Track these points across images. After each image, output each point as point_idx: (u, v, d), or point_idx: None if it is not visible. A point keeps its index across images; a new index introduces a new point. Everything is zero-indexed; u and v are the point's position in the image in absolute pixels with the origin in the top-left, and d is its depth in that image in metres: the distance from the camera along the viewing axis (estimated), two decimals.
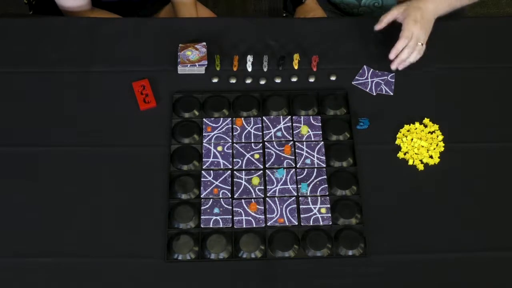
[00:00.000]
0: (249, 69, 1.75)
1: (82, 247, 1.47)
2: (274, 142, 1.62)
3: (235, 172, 1.58)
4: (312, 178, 1.57)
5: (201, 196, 1.54)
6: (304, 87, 1.73)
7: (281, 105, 1.68)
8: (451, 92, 1.73)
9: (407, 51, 1.68)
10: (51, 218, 1.51)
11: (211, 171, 1.57)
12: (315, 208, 1.53)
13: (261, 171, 1.58)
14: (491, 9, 2.96)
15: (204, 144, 1.62)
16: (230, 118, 1.66)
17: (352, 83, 1.72)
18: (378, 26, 1.69)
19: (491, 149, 1.63)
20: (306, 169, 1.58)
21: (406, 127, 1.65)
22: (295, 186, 1.56)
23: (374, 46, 1.77)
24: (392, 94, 1.70)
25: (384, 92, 1.70)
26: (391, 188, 1.57)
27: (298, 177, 1.57)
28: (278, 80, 1.74)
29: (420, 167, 1.59)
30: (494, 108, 1.71)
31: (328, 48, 1.78)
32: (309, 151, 1.61)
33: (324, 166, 1.59)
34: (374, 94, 1.70)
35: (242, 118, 1.66)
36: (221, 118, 1.66)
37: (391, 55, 1.68)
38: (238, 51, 1.79)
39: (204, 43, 1.76)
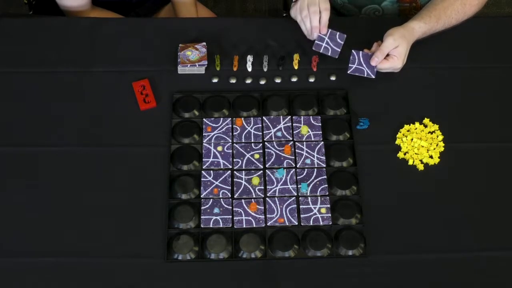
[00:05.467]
0: (249, 69, 1.75)
1: (82, 247, 1.47)
2: (274, 142, 1.62)
3: (235, 172, 1.58)
4: (312, 178, 1.57)
5: (201, 196, 1.54)
6: (304, 87, 1.73)
7: (281, 105, 1.68)
8: (451, 92, 1.73)
9: (379, 64, 1.69)
10: (51, 218, 1.51)
11: (211, 171, 1.57)
12: (315, 208, 1.53)
13: (261, 171, 1.58)
14: (491, 9, 2.95)
15: (204, 144, 1.62)
16: (230, 118, 1.66)
17: (313, 48, 1.72)
18: (374, 62, 1.68)
19: (491, 149, 1.63)
20: (306, 169, 1.58)
21: (406, 127, 1.65)
22: (295, 186, 1.56)
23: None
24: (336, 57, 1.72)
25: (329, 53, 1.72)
26: (391, 188, 1.57)
27: (298, 177, 1.57)
28: (278, 80, 1.74)
29: (420, 167, 1.59)
30: (494, 108, 1.71)
31: None
32: (309, 151, 1.61)
33: (324, 166, 1.59)
34: (336, 57, 1.72)
35: (242, 118, 1.66)
36: (221, 118, 1.66)
37: (373, 62, 1.68)
38: (238, 51, 1.79)
39: (204, 43, 1.76)
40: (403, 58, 1.69)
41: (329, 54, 1.72)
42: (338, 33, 1.72)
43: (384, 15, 1.95)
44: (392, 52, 1.67)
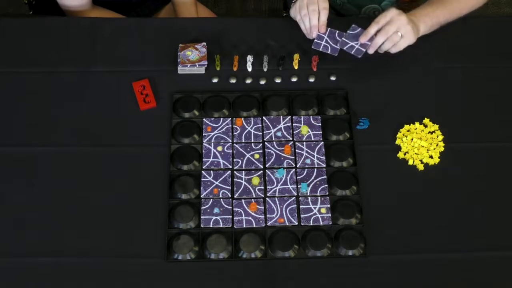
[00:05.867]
0: (249, 69, 1.75)
1: (82, 247, 1.47)
2: (274, 142, 1.62)
3: (235, 172, 1.58)
4: (312, 178, 1.57)
5: (201, 196, 1.54)
6: (304, 87, 1.73)
7: (281, 105, 1.68)
8: (451, 92, 1.73)
9: (382, 37, 1.66)
10: (51, 218, 1.51)
11: (211, 171, 1.57)
12: (315, 208, 1.53)
13: (261, 171, 1.58)
14: (491, 9, 2.96)
15: (204, 144, 1.62)
16: (230, 118, 1.66)
17: (312, 47, 1.72)
18: (363, 39, 1.68)
19: (491, 149, 1.63)
20: (306, 169, 1.58)
21: (406, 127, 1.65)
22: (295, 186, 1.56)
23: None
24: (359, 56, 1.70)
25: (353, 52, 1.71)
26: (391, 188, 1.57)
27: (298, 177, 1.57)
28: (278, 80, 1.74)
29: (420, 167, 1.59)
30: (494, 108, 1.71)
31: None
32: (309, 151, 1.61)
33: (324, 166, 1.59)
34: (336, 55, 1.71)
35: (242, 118, 1.66)
36: (221, 118, 1.66)
37: (362, 39, 1.67)
38: (238, 51, 1.79)
39: (204, 43, 1.76)
40: (401, 12, 1.65)
41: (329, 52, 1.72)
42: (337, 31, 1.72)
43: None
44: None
